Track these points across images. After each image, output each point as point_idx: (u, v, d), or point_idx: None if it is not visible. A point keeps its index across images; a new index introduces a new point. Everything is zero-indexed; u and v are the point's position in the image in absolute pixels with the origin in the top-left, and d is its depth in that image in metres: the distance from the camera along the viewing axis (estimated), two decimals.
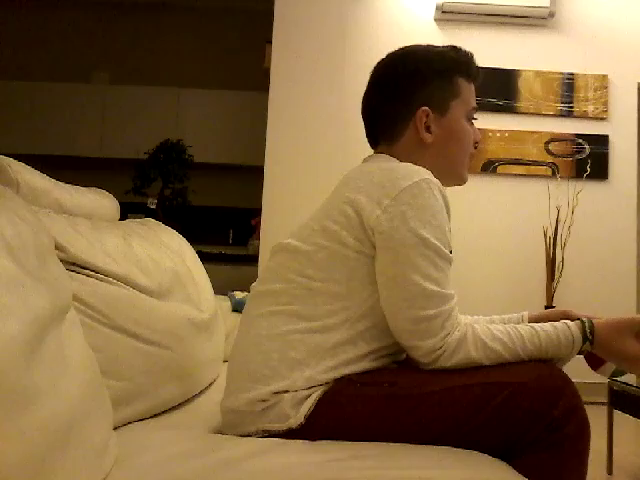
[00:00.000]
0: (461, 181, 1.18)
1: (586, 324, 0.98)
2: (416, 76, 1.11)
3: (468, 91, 1.14)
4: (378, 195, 0.97)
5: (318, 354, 0.96)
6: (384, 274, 0.96)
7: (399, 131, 1.12)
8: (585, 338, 0.98)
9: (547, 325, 0.98)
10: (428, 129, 1.11)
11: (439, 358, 0.93)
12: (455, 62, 1.13)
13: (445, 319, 0.93)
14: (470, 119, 1.15)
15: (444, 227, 0.97)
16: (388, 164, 1.04)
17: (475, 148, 1.18)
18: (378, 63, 1.16)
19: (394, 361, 1.05)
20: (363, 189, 0.99)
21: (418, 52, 1.13)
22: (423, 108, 1.10)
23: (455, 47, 1.15)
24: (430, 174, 0.99)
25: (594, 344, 0.98)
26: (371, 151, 1.18)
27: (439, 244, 0.95)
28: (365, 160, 1.14)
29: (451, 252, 0.99)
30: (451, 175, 1.15)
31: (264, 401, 0.94)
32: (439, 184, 0.99)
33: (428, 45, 1.15)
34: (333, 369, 0.96)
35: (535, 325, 0.98)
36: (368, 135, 1.18)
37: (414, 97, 1.10)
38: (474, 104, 1.16)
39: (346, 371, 0.96)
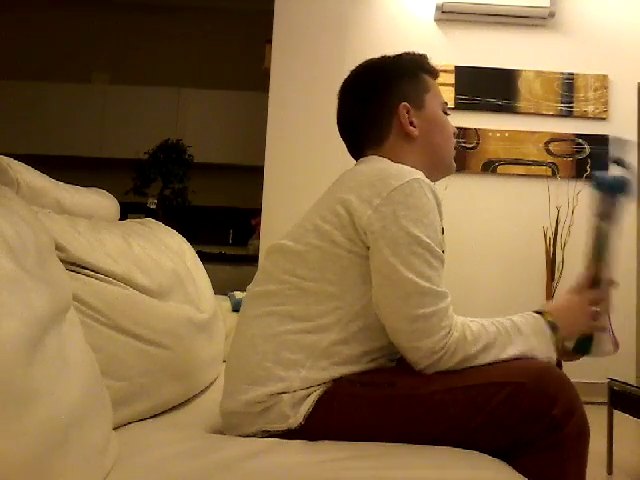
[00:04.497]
0: (450, 170, 1.20)
1: (544, 316, 1.03)
2: (387, 77, 1.15)
3: (435, 86, 1.18)
4: (369, 194, 0.97)
5: (313, 354, 0.96)
6: (379, 273, 0.96)
7: (384, 133, 1.13)
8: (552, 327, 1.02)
9: (517, 316, 1.03)
10: (411, 123, 1.12)
11: (440, 360, 0.93)
12: (415, 61, 1.18)
13: (442, 318, 0.93)
14: (444, 112, 1.18)
15: (436, 226, 0.98)
16: (380, 164, 1.05)
17: (455, 138, 1.20)
18: (344, 81, 1.19)
19: (390, 361, 1.05)
20: (354, 189, 0.99)
21: (379, 60, 1.18)
22: (403, 103, 1.12)
23: (407, 52, 1.19)
24: (422, 174, 1.00)
25: (559, 329, 1.02)
26: None
27: (432, 243, 0.95)
28: (358, 163, 1.14)
29: (443, 252, 0.99)
30: (440, 165, 1.16)
31: (262, 402, 0.94)
32: (431, 184, 1.00)
33: (383, 55, 1.19)
34: (329, 369, 0.96)
35: (512, 317, 1.02)
36: (351, 149, 1.19)
37: (390, 96, 1.13)
38: (443, 99, 1.19)
39: (343, 371, 0.96)
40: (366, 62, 1.18)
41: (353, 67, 1.20)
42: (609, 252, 1.15)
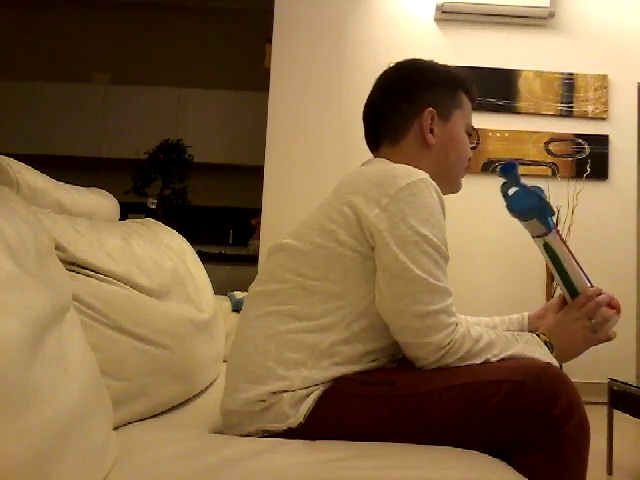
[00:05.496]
0: (456, 189, 1.21)
1: (540, 337, 1.04)
2: (424, 79, 1.16)
3: (468, 107, 1.19)
4: (376, 194, 0.97)
5: (314, 354, 0.96)
6: (388, 271, 0.96)
7: (403, 131, 1.14)
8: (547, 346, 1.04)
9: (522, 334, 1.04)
10: (431, 131, 1.13)
11: (446, 354, 0.94)
12: (459, 77, 1.18)
13: (449, 314, 0.94)
14: (468, 134, 1.19)
15: (442, 226, 0.99)
16: (385, 165, 1.06)
17: (469, 163, 1.22)
18: (385, 71, 1.20)
19: (392, 362, 1.05)
20: (361, 189, 1.00)
21: (425, 62, 1.19)
22: (429, 109, 1.13)
23: (456, 68, 1.21)
24: (427, 175, 1.00)
25: (553, 349, 1.04)
26: (370, 153, 1.19)
27: (438, 242, 0.96)
28: (363, 164, 1.15)
29: (447, 251, 1.00)
30: (448, 181, 1.16)
31: (262, 401, 0.94)
32: (435, 185, 1.00)
33: (431, 60, 1.21)
34: (330, 369, 0.96)
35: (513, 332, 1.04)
36: (369, 137, 1.20)
37: (421, 98, 1.14)
38: (471, 123, 1.20)
39: (344, 370, 0.96)
40: (412, 59, 1.20)
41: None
42: (568, 263, 1.13)
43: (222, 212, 4.92)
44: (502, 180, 1.17)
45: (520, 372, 0.91)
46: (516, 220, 1.17)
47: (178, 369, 1.20)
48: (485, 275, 3.65)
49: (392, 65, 1.20)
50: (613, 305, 1.11)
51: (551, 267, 1.15)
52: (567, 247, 1.13)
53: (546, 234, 1.12)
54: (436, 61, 1.20)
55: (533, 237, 1.15)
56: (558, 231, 1.13)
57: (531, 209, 1.11)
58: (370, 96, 1.19)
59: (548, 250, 1.13)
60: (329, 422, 0.93)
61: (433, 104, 1.13)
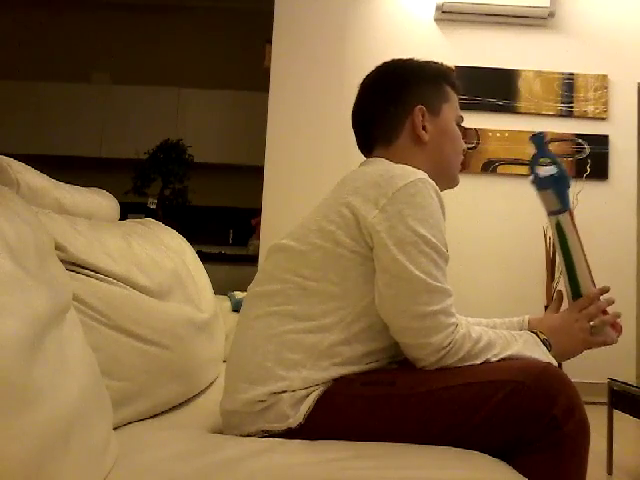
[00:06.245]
0: (453, 183, 1.20)
1: (539, 335, 1.04)
2: (409, 79, 1.16)
3: (455, 100, 1.19)
4: (375, 195, 0.97)
5: (314, 354, 0.96)
6: (387, 272, 0.96)
7: (395, 131, 1.13)
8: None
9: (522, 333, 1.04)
10: (424, 128, 1.13)
11: (446, 355, 0.93)
12: (442, 71, 1.19)
13: (448, 315, 0.94)
14: (459, 125, 1.19)
15: (441, 226, 0.99)
16: (384, 165, 1.05)
17: (464, 155, 1.21)
18: (367, 76, 1.20)
19: (391, 363, 1.05)
20: (360, 190, 1.00)
21: (406, 61, 1.19)
22: (419, 106, 1.13)
23: (434, 61, 1.20)
24: (426, 175, 1.00)
25: (551, 349, 1.04)
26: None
27: (437, 242, 0.96)
28: (362, 164, 1.15)
29: (446, 251, 0.99)
30: (445, 176, 1.16)
31: (262, 402, 0.94)
32: (434, 185, 1.00)
33: (409, 58, 1.20)
34: (330, 369, 0.96)
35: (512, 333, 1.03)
36: (361, 143, 1.19)
37: (409, 97, 1.14)
38: (460, 114, 1.20)
39: (343, 371, 0.96)
40: (392, 61, 1.19)
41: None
42: (576, 255, 1.13)
43: (222, 212, 4.92)
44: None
45: (520, 372, 0.91)
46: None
47: (178, 369, 1.20)
48: (485, 275, 3.65)
49: (372, 70, 1.19)
50: (616, 328, 1.11)
51: (558, 253, 1.14)
52: (579, 238, 1.12)
53: (560, 212, 1.12)
54: (410, 57, 1.20)
55: (548, 214, 1.14)
56: (573, 217, 1.13)
57: (548, 177, 1.12)
58: (357, 101, 1.19)
59: (559, 232, 1.12)
60: (329, 422, 0.93)
61: (422, 101, 1.13)
